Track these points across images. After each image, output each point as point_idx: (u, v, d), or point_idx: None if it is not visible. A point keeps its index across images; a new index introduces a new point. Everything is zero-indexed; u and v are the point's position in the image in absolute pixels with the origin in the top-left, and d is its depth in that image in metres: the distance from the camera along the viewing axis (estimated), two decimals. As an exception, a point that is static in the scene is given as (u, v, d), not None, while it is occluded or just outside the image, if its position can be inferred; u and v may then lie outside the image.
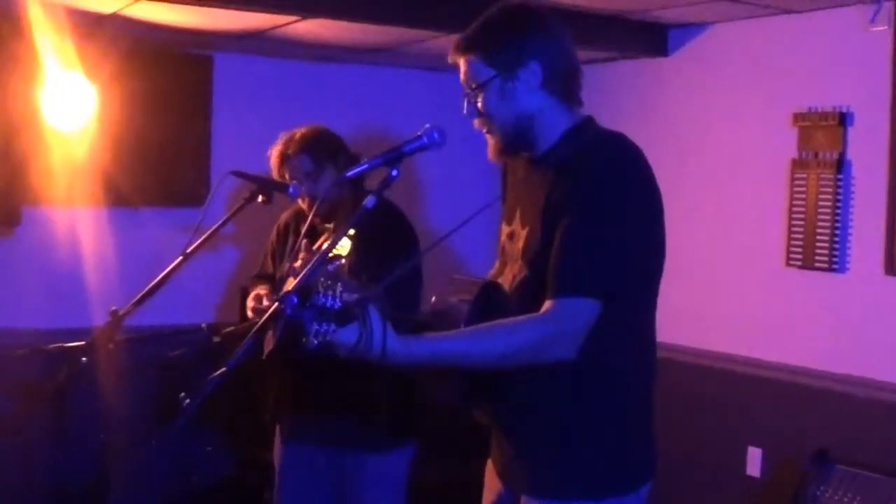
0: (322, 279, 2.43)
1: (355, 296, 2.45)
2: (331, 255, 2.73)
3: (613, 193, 2.71)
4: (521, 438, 2.89)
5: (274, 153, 4.12)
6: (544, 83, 2.83)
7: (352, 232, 2.94)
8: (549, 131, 2.86)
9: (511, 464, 2.95)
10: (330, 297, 2.41)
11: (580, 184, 2.71)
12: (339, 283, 2.43)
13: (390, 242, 3.78)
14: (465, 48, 2.86)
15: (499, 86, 2.81)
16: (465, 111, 2.89)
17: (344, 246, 2.96)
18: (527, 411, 2.83)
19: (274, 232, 4.35)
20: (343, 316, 2.43)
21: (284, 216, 4.34)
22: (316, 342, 2.42)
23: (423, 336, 2.62)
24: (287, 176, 4.09)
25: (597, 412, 2.81)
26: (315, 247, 3.47)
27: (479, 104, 2.85)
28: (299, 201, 4.15)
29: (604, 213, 2.69)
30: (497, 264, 3.09)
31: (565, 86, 2.88)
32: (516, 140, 2.87)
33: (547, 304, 2.67)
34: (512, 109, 2.83)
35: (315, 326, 2.41)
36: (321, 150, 4.09)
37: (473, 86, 2.84)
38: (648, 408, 2.92)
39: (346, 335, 2.46)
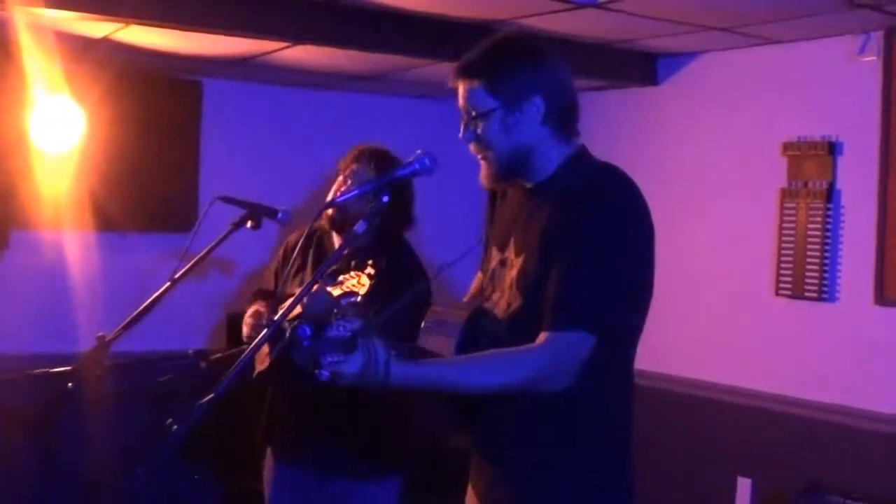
0: (335, 311, 2.48)
1: (358, 325, 2.50)
2: (347, 290, 2.74)
3: (614, 229, 2.71)
4: (510, 464, 2.87)
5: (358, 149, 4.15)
6: (546, 118, 2.82)
7: (372, 271, 2.92)
8: (546, 163, 2.85)
9: (497, 491, 2.92)
10: (341, 328, 2.47)
11: (580, 217, 2.70)
12: (347, 313, 2.48)
13: (405, 287, 3.78)
14: (468, 74, 2.83)
15: (501, 117, 2.79)
16: (461, 135, 2.87)
17: (364, 284, 2.95)
18: (517, 437, 2.82)
19: (280, 251, 4.33)
20: (349, 345, 2.48)
21: (293, 236, 4.32)
22: (328, 374, 2.47)
23: (424, 363, 2.64)
24: (344, 176, 4.09)
25: (585, 440, 2.79)
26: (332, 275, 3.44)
27: (479, 132, 2.83)
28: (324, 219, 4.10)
29: (604, 248, 2.69)
30: (477, 285, 3.10)
31: (564, 120, 2.87)
32: (511, 170, 2.85)
33: (543, 336, 2.66)
34: (511, 141, 2.81)
35: (329, 359, 2.46)
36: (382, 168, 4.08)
37: (474, 114, 2.82)
38: (630, 439, 2.91)
39: (353, 364, 2.50)
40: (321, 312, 3.35)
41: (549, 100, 2.81)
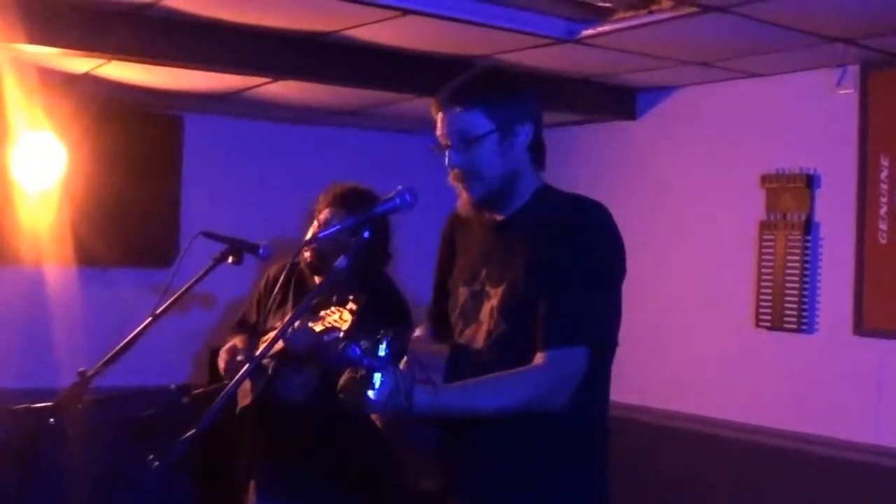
0: (375, 335, 2.56)
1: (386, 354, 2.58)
2: (330, 326, 2.75)
3: (600, 254, 2.81)
4: (499, 490, 2.87)
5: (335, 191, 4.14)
6: (530, 145, 2.89)
7: (353, 307, 2.93)
8: (524, 191, 2.91)
9: None
10: (384, 348, 2.56)
11: (569, 241, 2.78)
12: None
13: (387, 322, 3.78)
14: (462, 101, 2.86)
15: (496, 140, 2.84)
16: (447, 163, 2.89)
17: (346, 320, 2.96)
18: (501, 461, 2.83)
19: (262, 282, 4.32)
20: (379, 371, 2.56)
21: (274, 268, 4.31)
22: (377, 397, 2.54)
23: (440, 390, 2.71)
24: (319, 222, 4.08)
25: (569, 460, 2.83)
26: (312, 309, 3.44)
27: (468, 156, 2.85)
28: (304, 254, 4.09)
29: (593, 272, 2.78)
30: (421, 333, 3.15)
31: (539, 151, 2.95)
32: (497, 195, 2.89)
33: (539, 357, 2.73)
34: (502, 164, 2.85)
35: (384, 379, 2.54)
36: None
37: (467, 138, 2.84)
38: (608, 459, 2.96)
39: (381, 391, 2.57)
40: (304, 348, 3.37)
41: (534, 129, 2.90)
